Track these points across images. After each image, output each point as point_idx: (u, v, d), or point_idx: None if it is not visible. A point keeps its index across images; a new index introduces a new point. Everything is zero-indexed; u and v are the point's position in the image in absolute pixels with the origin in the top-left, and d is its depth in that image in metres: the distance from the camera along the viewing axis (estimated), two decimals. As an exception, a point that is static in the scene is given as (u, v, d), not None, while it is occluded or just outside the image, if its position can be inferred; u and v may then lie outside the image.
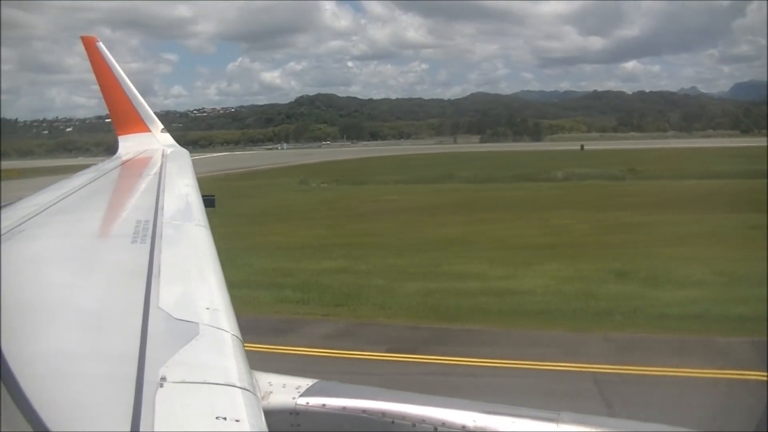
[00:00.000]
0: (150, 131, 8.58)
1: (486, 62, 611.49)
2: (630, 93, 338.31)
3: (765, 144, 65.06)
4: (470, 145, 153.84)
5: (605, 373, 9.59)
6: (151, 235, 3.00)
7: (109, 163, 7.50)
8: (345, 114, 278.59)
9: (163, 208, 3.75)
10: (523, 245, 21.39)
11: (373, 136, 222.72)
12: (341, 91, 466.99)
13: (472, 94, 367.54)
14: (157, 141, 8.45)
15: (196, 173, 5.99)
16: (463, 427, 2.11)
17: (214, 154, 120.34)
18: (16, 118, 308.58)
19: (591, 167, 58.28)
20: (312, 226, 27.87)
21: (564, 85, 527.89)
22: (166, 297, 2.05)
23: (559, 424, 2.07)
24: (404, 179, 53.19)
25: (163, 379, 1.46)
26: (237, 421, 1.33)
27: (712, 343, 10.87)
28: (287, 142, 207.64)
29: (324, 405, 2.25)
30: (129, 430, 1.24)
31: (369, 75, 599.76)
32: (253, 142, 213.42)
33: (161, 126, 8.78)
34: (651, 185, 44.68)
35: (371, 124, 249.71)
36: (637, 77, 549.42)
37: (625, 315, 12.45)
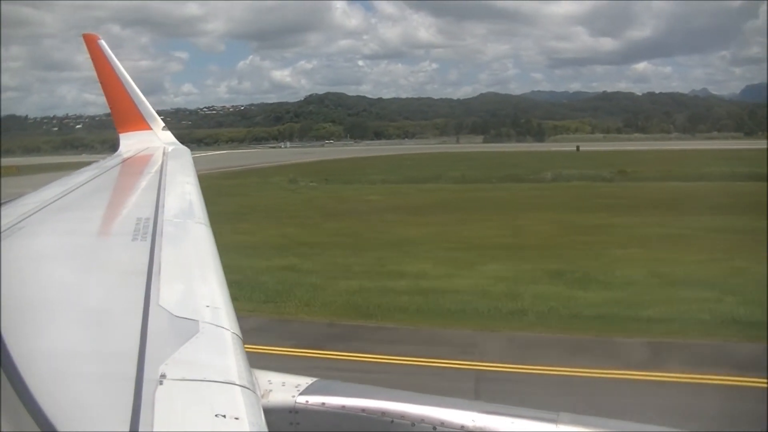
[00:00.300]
0: (151, 129, 8.56)
1: (496, 62, 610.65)
2: (640, 94, 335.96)
3: (764, 147, 64.90)
4: (472, 145, 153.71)
5: (489, 371, 9.83)
6: (152, 232, 2.99)
7: (110, 161, 7.50)
8: (353, 113, 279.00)
9: (163, 206, 3.74)
10: (480, 245, 21.58)
11: (378, 135, 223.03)
12: (351, 90, 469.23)
13: (481, 94, 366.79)
14: (158, 139, 8.44)
15: None
16: (462, 426, 2.11)
17: (214, 152, 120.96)
18: (26, 115, 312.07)
19: (582, 168, 58.20)
20: (282, 225, 28.22)
21: (574, 86, 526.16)
22: (167, 295, 2.05)
23: (558, 425, 2.08)
24: (393, 179, 53.43)
25: (163, 376, 1.46)
26: (236, 419, 1.33)
27: (606, 344, 11.07)
28: (291, 140, 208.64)
29: (323, 403, 2.26)
30: (128, 427, 1.24)
31: (379, 74, 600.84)
32: (258, 140, 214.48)
33: (162, 124, 8.80)
34: (636, 187, 44.61)
35: (377, 123, 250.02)
36: (647, 78, 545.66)
37: (538, 315, 12.67)
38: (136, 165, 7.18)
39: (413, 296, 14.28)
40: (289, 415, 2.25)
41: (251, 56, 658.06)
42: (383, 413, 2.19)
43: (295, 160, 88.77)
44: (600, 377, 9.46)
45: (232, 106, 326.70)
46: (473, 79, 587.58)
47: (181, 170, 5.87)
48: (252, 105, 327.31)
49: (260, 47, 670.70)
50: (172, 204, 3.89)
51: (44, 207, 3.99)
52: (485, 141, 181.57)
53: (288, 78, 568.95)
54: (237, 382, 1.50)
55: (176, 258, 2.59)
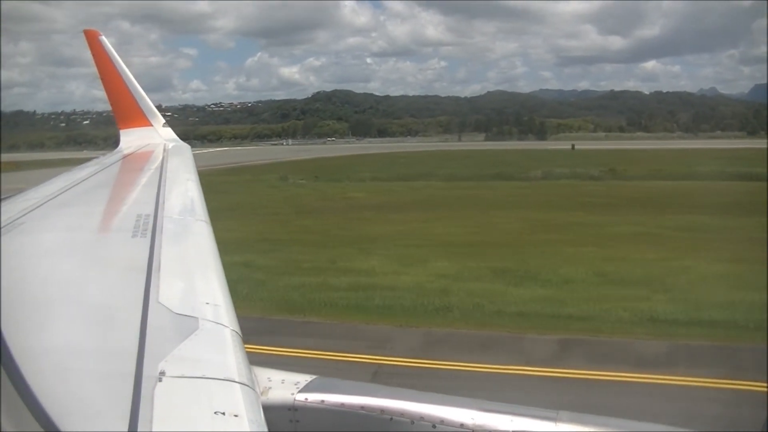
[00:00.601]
0: (152, 125, 8.55)
1: (505, 60, 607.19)
2: (647, 93, 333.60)
3: (763, 146, 64.51)
4: (474, 143, 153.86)
5: (389, 365, 10.11)
6: (152, 229, 2.99)
7: (110, 157, 7.50)
8: (360, 110, 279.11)
9: (163, 203, 3.74)
10: (440, 243, 21.82)
11: (382, 133, 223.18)
12: (359, 88, 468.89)
13: (488, 92, 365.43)
14: (159, 135, 8.44)
15: None
16: (462, 424, 2.11)
17: (214, 150, 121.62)
18: (34, 111, 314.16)
19: (574, 167, 58.19)
20: (256, 222, 28.55)
21: (583, 85, 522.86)
22: (166, 291, 2.05)
23: (557, 423, 2.08)
24: (382, 177, 53.71)
25: (162, 373, 1.45)
26: (236, 416, 1.33)
27: (514, 340, 11.32)
28: (294, 138, 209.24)
29: (323, 401, 2.25)
30: (128, 423, 1.24)
31: (388, 71, 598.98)
32: (260, 137, 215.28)
33: (163, 120, 8.82)
34: (621, 186, 44.70)
35: (381, 121, 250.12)
36: (656, 77, 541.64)
37: (462, 311, 12.93)
38: (136, 161, 7.19)
39: (349, 292, 14.57)
40: (289, 413, 2.24)
41: (260, 53, 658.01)
42: (382, 411, 2.19)
43: (292, 158, 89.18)
44: (490, 372, 9.72)
45: (240, 103, 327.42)
46: (482, 77, 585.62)
47: (182, 167, 5.88)
48: (259, 102, 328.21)
49: (269, 44, 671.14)
50: (172, 201, 3.90)
51: (44, 203, 4.00)
52: (487, 139, 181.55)
53: (296, 75, 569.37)
54: (236, 380, 1.50)
55: (176, 255, 2.59)
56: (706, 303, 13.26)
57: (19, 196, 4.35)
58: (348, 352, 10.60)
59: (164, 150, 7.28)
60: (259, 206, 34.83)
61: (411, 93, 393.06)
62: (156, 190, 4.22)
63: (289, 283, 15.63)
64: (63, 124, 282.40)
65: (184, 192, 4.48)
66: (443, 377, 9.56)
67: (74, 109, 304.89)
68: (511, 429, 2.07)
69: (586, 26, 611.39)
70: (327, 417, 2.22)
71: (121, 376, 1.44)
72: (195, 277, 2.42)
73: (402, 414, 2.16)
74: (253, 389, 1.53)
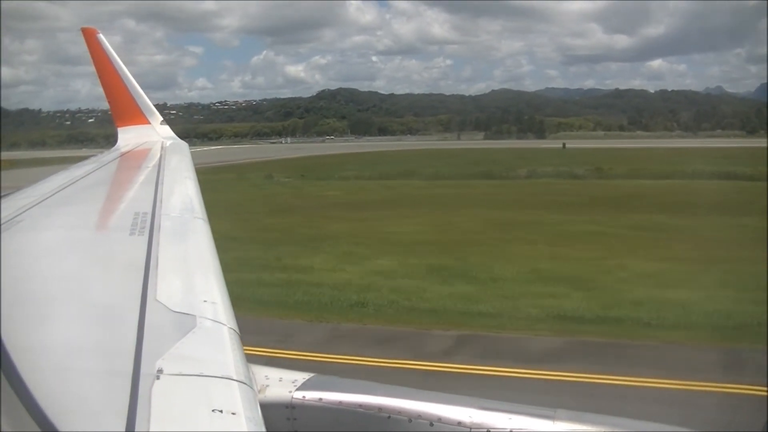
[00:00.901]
0: (149, 123, 8.56)
1: (511, 59, 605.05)
2: (652, 92, 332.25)
3: (761, 145, 64.31)
4: (471, 142, 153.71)
5: (285, 359, 10.41)
6: (150, 227, 2.99)
7: (108, 155, 7.51)
8: (363, 109, 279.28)
9: (161, 201, 3.75)
10: (391, 241, 22.09)
11: (383, 131, 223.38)
12: (365, 86, 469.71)
13: (493, 91, 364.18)
14: (157, 133, 8.45)
15: None
16: (459, 423, 2.12)
17: (209, 148, 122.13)
18: (39, 109, 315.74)
19: (560, 166, 58.28)
20: (222, 220, 28.80)
21: (589, 83, 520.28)
22: (164, 289, 2.04)
23: (555, 422, 2.09)
24: (366, 175, 54.11)
25: (160, 371, 1.45)
26: (233, 414, 1.33)
27: (416, 335, 11.62)
28: (294, 136, 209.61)
29: (320, 399, 2.27)
30: (125, 422, 1.24)
31: (393, 70, 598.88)
32: (260, 135, 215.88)
33: (161, 118, 8.84)
34: (601, 184, 44.82)
35: (383, 119, 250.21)
36: (662, 76, 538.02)
37: (377, 307, 13.25)
38: (133, 159, 7.18)
39: (276, 288, 14.91)
40: (286, 411, 2.26)
41: (265, 51, 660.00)
42: (380, 409, 2.19)
43: (286, 156, 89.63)
44: (372, 366, 10.02)
45: (245, 101, 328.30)
46: (487, 76, 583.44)
47: (179, 165, 5.89)
48: (264, 100, 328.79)
49: (274, 42, 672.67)
50: (169, 199, 3.92)
51: (42, 201, 4.00)
52: (486, 138, 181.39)
53: (302, 73, 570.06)
54: (234, 378, 1.50)
55: (174, 253, 2.59)
56: (619, 301, 13.51)
57: (17, 194, 4.39)
58: (247, 346, 10.88)
59: (162, 148, 7.30)
60: (231, 204, 35.08)
61: (416, 91, 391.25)
62: (154, 188, 4.25)
63: (226, 279, 15.92)
64: (68, 123, 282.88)
65: (182, 190, 4.48)
66: (326, 370, 9.85)
67: (79, 108, 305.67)
68: (509, 427, 2.08)
69: (592, 25, 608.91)
70: (325, 415, 2.24)
71: (118, 374, 1.44)
72: (193, 275, 2.42)
73: (400, 412, 2.18)
74: (251, 387, 1.53)
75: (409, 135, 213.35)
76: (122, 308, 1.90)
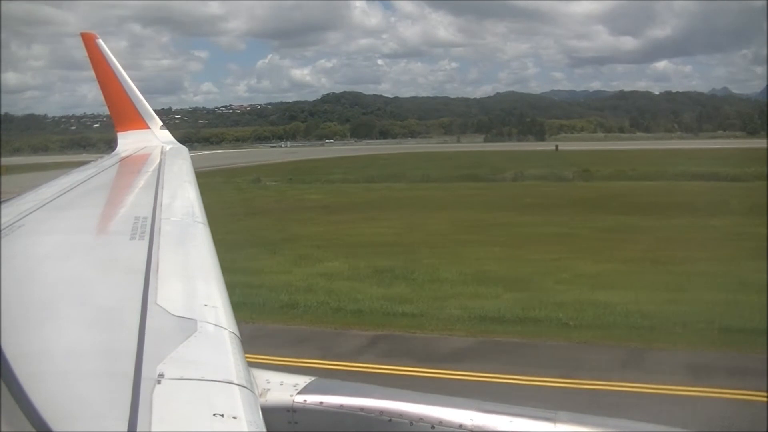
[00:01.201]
0: (149, 128, 8.56)
1: (516, 61, 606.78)
2: (657, 93, 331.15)
3: (760, 146, 64.05)
4: (470, 145, 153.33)
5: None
6: (150, 231, 3.00)
7: (107, 160, 7.50)
8: (368, 112, 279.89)
9: (161, 205, 3.77)
10: (352, 244, 22.25)
11: (384, 134, 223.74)
12: (370, 89, 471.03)
13: (498, 93, 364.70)
14: (156, 138, 8.44)
15: None
16: (461, 425, 2.12)
17: (205, 152, 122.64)
18: (45, 114, 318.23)
19: (549, 168, 58.26)
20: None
21: (595, 85, 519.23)
22: (165, 294, 2.05)
23: (556, 424, 2.09)
24: (352, 178, 54.40)
25: (161, 375, 1.45)
26: (234, 418, 1.33)
27: (333, 335, 11.81)
28: (295, 140, 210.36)
29: (321, 402, 2.26)
30: (126, 427, 1.24)
31: (399, 73, 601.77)
32: (261, 139, 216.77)
33: (160, 123, 8.85)
34: (584, 186, 44.82)
35: (385, 122, 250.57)
36: (668, 77, 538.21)
37: (306, 308, 13.45)
38: (133, 164, 7.19)
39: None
40: (287, 414, 2.25)
41: (270, 55, 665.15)
42: (381, 412, 2.19)
43: (280, 159, 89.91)
44: (285, 365, 10.14)
45: (250, 105, 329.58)
46: (493, 79, 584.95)
47: (179, 169, 5.90)
48: (269, 104, 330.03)
49: (280, 46, 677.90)
50: (169, 203, 3.93)
51: (42, 206, 4.01)
52: (486, 140, 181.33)
53: (308, 77, 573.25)
54: (235, 382, 1.50)
55: (174, 257, 2.60)
56: (545, 302, 13.58)
57: (17, 199, 4.42)
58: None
59: (162, 152, 7.34)
60: (209, 207, 35.32)
61: (422, 94, 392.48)
62: (154, 193, 4.26)
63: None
64: (73, 128, 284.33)
65: (182, 194, 4.49)
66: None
67: (84, 113, 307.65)
68: (510, 430, 2.08)
69: (598, 27, 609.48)
70: (326, 419, 2.24)
71: (119, 378, 1.44)
72: (193, 279, 2.41)
73: (401, 415, 2.18)
74: (252, 391, 1.53)
75: (410, 138, 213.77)
76: (123, 312, 1.90)
